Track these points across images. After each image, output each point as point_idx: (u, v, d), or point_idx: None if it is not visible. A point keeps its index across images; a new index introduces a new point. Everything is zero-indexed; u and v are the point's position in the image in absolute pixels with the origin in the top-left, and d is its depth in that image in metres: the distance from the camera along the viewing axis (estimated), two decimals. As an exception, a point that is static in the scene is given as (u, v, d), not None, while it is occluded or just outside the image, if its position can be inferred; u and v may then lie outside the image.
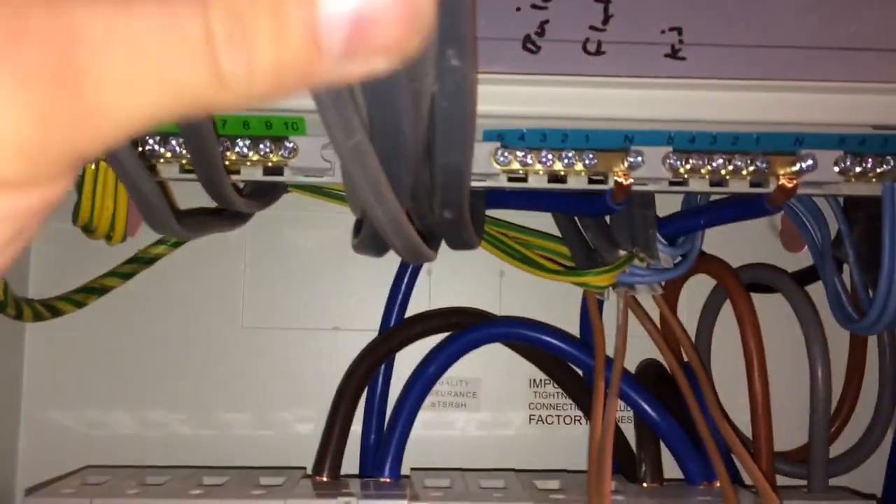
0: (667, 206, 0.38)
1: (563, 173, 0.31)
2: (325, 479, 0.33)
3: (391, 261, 0.36)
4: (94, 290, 0.36)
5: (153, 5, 0.11)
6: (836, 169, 0.31)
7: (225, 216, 0.33)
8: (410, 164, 0.22)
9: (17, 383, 0.39)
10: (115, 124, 0.11)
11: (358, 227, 0.31)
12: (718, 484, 0.31)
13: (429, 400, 0.36)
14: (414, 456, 0.36)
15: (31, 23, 0.11)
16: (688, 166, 0.30)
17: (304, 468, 0.35)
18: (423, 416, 0.36)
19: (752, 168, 0.30)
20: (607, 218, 0.36)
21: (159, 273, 0.38)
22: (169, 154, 0.30)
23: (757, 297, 0.36)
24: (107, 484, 0.31)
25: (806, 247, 0.38)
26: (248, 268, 0.40)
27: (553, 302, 0.39)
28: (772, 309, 0.37)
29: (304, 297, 0.40)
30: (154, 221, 0.27)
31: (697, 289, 0.40)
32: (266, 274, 0.40)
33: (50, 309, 0.35)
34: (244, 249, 0.40)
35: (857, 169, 0.31)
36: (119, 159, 0.24)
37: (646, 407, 0.34)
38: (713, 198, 0.37)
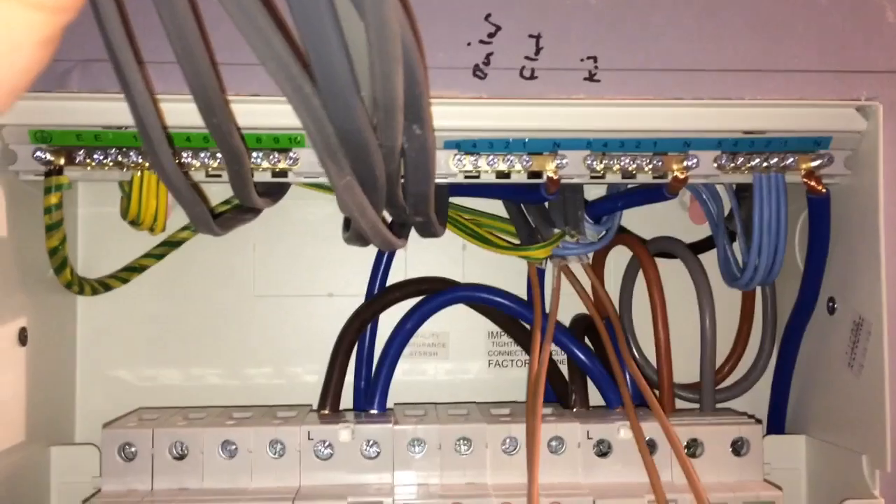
0: (598, 191, 0.47)
1: (506, 171, 0.40)
2: (327, 412, 0.42)
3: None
4: (135, 269, 0.45)
5: None
6: (715, 164, 0.40)
7: (246, 213, 0.41)
8: (383, 192, 0.30)
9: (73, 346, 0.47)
10: None
11: (347, 223, 0.40)
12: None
13: (407, 350, 0.46)
14: (396, 396, 0.46)
15: None
16: (602, 165, 0.40)
17: (311, 405, 0.44)
18: (402, 365, 0.45)
19: (651, 165, 0.40)
20: (546, 204, 0.45)
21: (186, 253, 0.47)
22: (198, 164, 0.38)
23: (664, 262, 0.46)
24: (159, 419, 0.40)
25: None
26: (257, 246, 0.49)
27: (506, 270, 0.48)
28: (676, 272, 0.46)
29: (304, 269, 0.49)
30: (199, 226, 0.35)
31: (623, 258, 0.49)
32: (272, 251, 0.49)
33: (103, 285, 0.44)
34: (252, 232, 0.49)
35: (731, 164, 0.40)
36: (170, 178, 0.32)
37: (575, 350, 0.43)
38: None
